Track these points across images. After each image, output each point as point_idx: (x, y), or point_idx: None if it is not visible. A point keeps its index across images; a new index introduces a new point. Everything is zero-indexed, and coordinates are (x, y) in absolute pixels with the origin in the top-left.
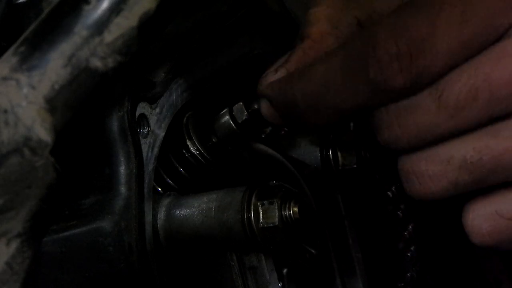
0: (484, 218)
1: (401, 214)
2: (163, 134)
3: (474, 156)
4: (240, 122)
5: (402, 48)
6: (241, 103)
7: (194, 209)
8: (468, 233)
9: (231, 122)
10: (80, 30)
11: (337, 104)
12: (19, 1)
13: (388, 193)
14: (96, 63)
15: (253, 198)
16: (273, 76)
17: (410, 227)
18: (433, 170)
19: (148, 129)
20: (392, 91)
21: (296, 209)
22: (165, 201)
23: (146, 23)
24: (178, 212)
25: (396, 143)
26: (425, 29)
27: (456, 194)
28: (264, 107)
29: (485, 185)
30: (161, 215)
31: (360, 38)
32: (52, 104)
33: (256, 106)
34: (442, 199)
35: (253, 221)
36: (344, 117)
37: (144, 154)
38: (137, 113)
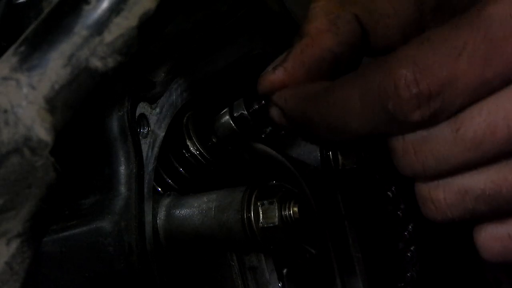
0: (496, 239)
1: (401, 214)
2: (163, 134)
3: (493, 188)
4: (239, 122)
5: (422, 87)
6: (240, 102)
7: (194, 209)
8: (479, 250)
9: (231, 122)
10: (80, 30)
11: (353, 129)
12: (19, 1)
13: (388, 193)
14: (96, 63)
15: (253, 198)
16: (271, 75)
17: (410, 227)
18: (451, 199)
19: (148, 129)
20: (409, 123)
21: (296, 209)
22: (165, 201)
23: (146, 23)
24: (178, 212)
25: (412, 171)
26: (446, 69)
27: (471, 219)
28: (276, 115)
29: (502, 212)
30: (161, 215)
31: (380, 70)
32: (52, 104)
33: (256, 106)
34: (456, 222)
35: (253, 221)
36: (358, 139)
37: (144, 154)
38: (137, 113)
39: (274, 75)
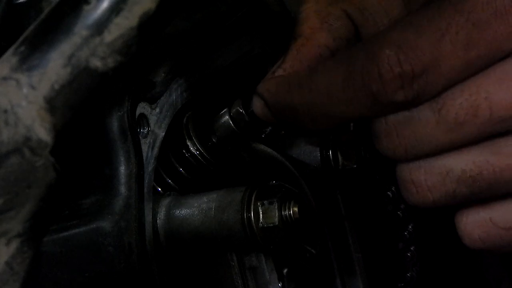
0: (477, 224)
1: (401, 214)
2: (163, 134)
3: (474, 170)
4: (239, 122)
5: (405, 68)
6: (239, 103)
7: (194, 209)
8: (461, 236)
9: (231, 122)
10: (80, 30)
11: (336, 114)
12: (19, 1)
13: (388, 193)
14: (96, 63)
15: (253, 198)
16: (271, 78)
17: (410, 227)
18: (432, 181)
19: (148, 129)
20: (393, 105)
21: (296, 209)
22: (165, 201)
23: (146, 23)
24: (178, 212)
25: (394, 152)
26: (429, 49)
27: (453, 204)
28: (258, 106)
29: (483, 197)
30: (161, 215)
31: (363, 53)
32: (52, 104)
33: None
34: (438, 207)
35: (253, 221)
36: (342, 124)
37: (144, 154)
38: (137, 113)
39: (274, 79)
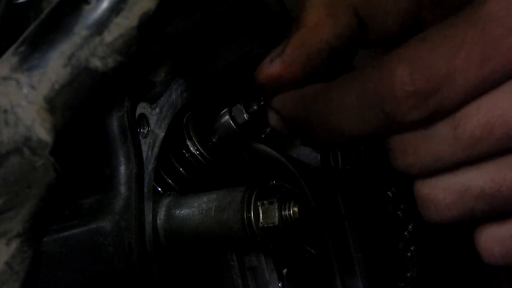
0: (496, 240)
1: (401, 214)
2: (163, 134)
3: (493, 187)
4: (239, 122)
5: (419, 87)
6: (240, 103)
7: (194, 209)
8: (480, 253)
9: (231, 122)
10: (80, 30)
11: (351, 131)
12: (19, 1)
13: (388, 193)
14: (96, 63)
15: (253, 198)
16: (268, 68)
17: (410, 227)
18: (450, 198)
19: (148, 129)
20: (408, 124)
21: (296, 209)
22: (165, 201)
23: (146, 23)
24: (178, 212)
25: (410, 169)
26: (443, 67)
27: (472, 220)
28: (274, 119)
29: (502, 213)
30: (161, 215)
31: (376, 71)
32: (52, 104)
33: (255, 107)
34: (456, 223)
35: (253, 221)
36: (356, 141)
37: (144, 154)
38: (137, 113)
39: (272, 68)
